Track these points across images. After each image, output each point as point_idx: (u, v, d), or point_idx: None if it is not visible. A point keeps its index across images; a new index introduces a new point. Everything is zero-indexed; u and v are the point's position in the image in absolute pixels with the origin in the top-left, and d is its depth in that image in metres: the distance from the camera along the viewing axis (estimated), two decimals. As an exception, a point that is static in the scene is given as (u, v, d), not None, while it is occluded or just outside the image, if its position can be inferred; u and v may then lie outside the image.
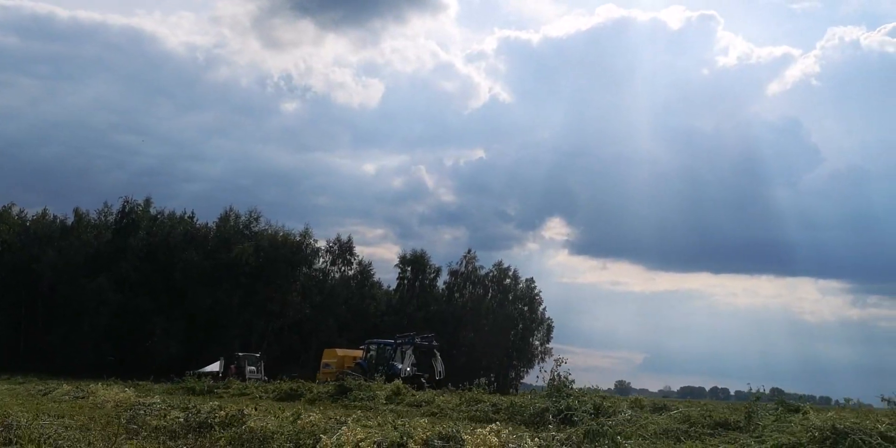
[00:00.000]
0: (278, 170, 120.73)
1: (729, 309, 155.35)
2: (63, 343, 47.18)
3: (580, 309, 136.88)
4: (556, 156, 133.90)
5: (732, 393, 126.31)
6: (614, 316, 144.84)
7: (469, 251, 71.17)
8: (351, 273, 63.08)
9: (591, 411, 13.61)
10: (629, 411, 13.91)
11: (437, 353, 37.02)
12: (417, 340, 37.86)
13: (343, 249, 62.61)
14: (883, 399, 16.05)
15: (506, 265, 71.01)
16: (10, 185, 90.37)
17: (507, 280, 70.52)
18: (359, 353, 39.24)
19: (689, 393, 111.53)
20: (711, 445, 10.12)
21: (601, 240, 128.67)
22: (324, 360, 40.25)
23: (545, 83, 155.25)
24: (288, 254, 55.88)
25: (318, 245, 60.18)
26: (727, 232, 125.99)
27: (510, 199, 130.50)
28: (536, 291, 72.50)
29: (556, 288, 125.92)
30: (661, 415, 13.26)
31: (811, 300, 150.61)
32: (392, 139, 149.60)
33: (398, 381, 27.68)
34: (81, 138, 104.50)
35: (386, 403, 20.05)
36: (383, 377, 33.68)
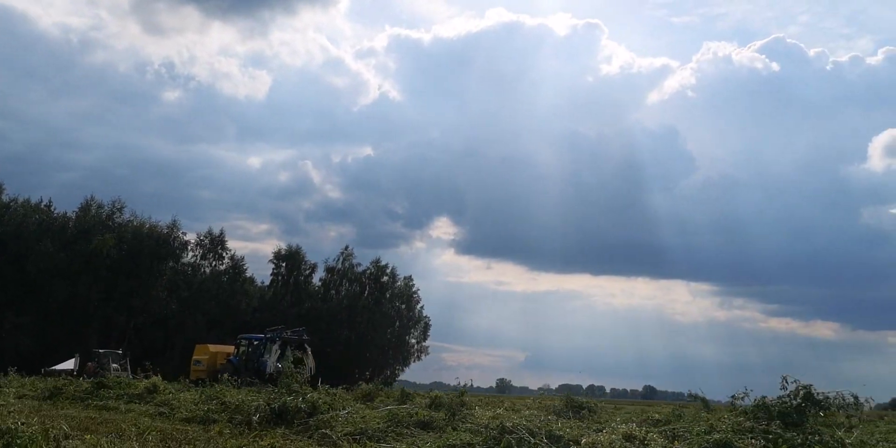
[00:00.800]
0: (159, 160, 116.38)
1: (607, 309, 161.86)
2: None
3: (465, 308, 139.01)
4: (445, 155, 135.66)
5: (608, 390, 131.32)
6: (498, 315, 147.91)
7: (346, 248, 70.67)
8: (223, 268, 61.29)
9: (308, 410, 13.78)
10: (346, 410, 14.27)
11: (308, 349, 35.93)
12: (286, 334, 36.59)
13: (214, 243, 60.79)
14: (690, 394, 16.93)
15: (384, 263, 70.88)
16: None
17: (385, 278, 70.29)
18: (231, 349, 38.05)
19: (567, 390, 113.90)
20: (386, 443, 10.54)
21: (486, 240, 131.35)
22: (195, 357, 38.93)
23: (435, 83, 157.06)
24: (153, 246, 53.72)
25: (186, 238, 58.13)
26: (607, 235, 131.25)
27: (398, 197, 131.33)
28: (414, 289, 72.72)
29: (442, 287, 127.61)
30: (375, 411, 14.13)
31: (683, 301, 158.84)
32: (279, 133, 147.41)
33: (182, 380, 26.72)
34: None
35: (131, 402, 19.37)
36: (253, 376, 33.03)
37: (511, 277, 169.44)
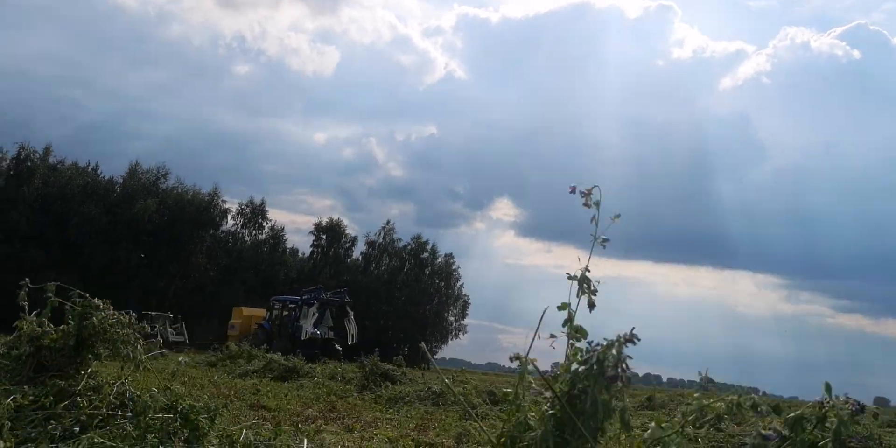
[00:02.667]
0: (229, 133, 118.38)
1: (668, 297, 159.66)
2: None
3: (524, 290, 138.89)
4: (509, 136, 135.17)
5: (665, 380, 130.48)
6: (557, 299, 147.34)
7: (388, 222, 71.08)
8: (262, 237, 62.09)
9: None
10: None
11: (351, 313, 33.18)
12: (326, 295, 33.65)
13: (255, 212, 61.58)
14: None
15: (424, 239, 71.08)
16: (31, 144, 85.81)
17: (425, 254, 70.55)
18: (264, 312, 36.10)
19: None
20: None
21: (548, 223, 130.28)
22: (231, 321, 37.20)
23: (502, 63, 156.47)
24: (194, 213, 54.63)
25: (227, 206, 58.92)
26: (671, 222, 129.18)
27: (460, 177, 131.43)
28: (455, 267, 72.92)
29: (501, 268, 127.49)
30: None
31: (747, 293, 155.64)
32: (344, 109, 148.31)
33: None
34: (23, 89, 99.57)
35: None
36: (286, 342, 30.59)
37: (571, 261, 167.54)
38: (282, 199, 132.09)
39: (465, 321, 74.32)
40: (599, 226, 3.17)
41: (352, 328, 32.29)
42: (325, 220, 66.31)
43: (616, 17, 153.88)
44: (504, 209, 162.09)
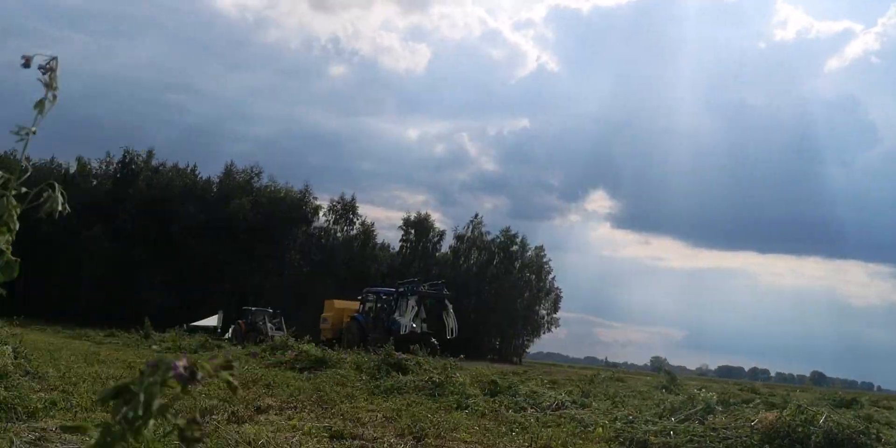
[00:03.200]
0: (324, 133, 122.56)
1: (773, 289, 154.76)
2: (60, 290, 48.77)
3: (621, 283, 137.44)
4: (603, 127, 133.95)
5: (773, 374, 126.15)
6: (655, 292, 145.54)
7: (476, 216, 71.72)
8: (353, 233, 63.85)
9: None
10: None
11: (449, 306, 31.39)
12: (423, 288, 32.09)
13: (346, 209, 63.37)
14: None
15: (513, 232, 71.30)
16: (62, 140, 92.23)
17: (514, 247, 70.78)
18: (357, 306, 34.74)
19: (728, 372, 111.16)
20: None
21: (645, 214, 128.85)
22: (322, 315, 36.27)
23: (594, 53, 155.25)
24: (286, 211, 56.84)
25: (318, 203, 60.98)
26: (776, 210, 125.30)
27: (553, 169, 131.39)
28: (545, 259, 72.84)
29: (597, 261, 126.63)
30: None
31: (858, 283, 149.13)
32: (436, 105, 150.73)
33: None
34: (132, 96, 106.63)
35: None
36: (383, 336, 29.27)
37: (670, 253, 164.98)
38: (377, 196, 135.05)
39: (558, 314, 74.25)
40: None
41: (451, 322, 30.64)
42: (413, 215, 67.50)
43: (714, 2, 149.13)
44: (599, 201, 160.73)
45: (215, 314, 39.72)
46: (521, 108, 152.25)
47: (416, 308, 30.96)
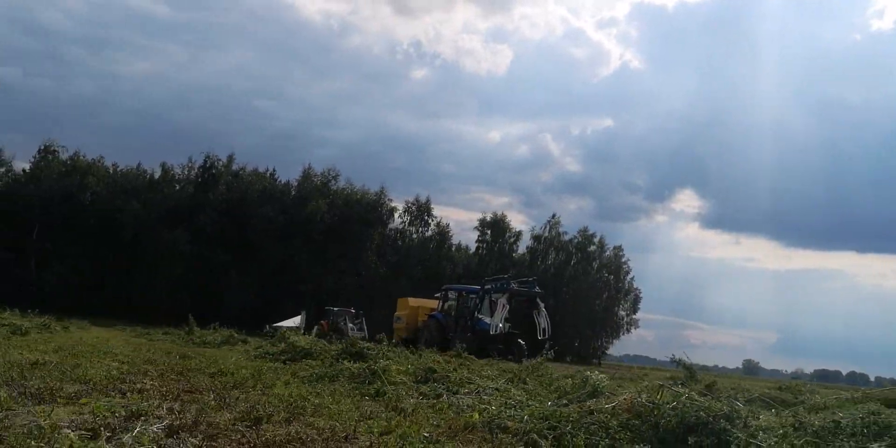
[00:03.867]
0: (406, 136, 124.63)
1: (875, 290, 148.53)
2: (142, 291, 50.61)
3: (711, 285, 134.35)
4: (689, 125, 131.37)
5: (872, 379, 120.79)
6: (746, 293, 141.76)
7: (553, 216, 71.15)
8: (429, 234, 64.17)
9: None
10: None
11: (541, 304, 29.52)
12: (513, 286, 29.90)
13: (421, 210, 63.72)
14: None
15: (591, 231, 70.41)
16: (155, 146, 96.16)
17: (592, 247, 69.88)
18: (435, 303, 33.41)
19: (824, 376, 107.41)
20: None
21: (735, 214, 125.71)
22: (396, 313, 35.13)
23: (679, 50, 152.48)
24: (362, 212, 57.47)
25: (393, 204, 61.53)
26: (875, 209, 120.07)
27: (638, 169, 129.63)
28: (624, 260, 71.72)
29: (686, 262, 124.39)
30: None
31: None
32: (519, 107, 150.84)
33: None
34: (221, 103, 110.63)
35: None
36: (468, 335, 28.66)
37: (762, 254, 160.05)
38: (459, 199, 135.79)
39: (638, 315, 72.98)
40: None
41: (543, 321, 28.87)
42: (489, 216, 67.36)
43: None
44: (687, 201, 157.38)
45: (298, 315, 39.61)
46: (604, 107, 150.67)
47: (507, 306, 29.29)
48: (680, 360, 15.52)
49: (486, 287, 30.59)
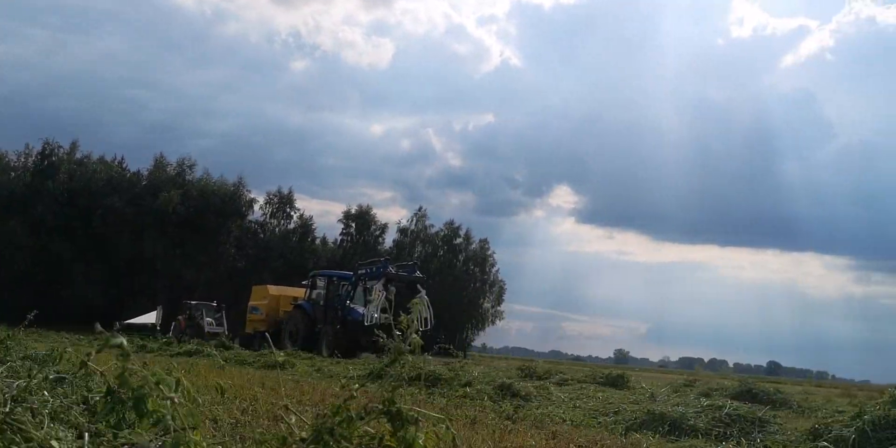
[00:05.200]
0: (288, 128, 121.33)
1: (734, 282, 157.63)
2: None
3: (586, 278, 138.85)
4: (567, 122, 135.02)
5: (731, 365, 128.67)
6: (620, 286, 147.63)
7: (420, 208, 71.10)
8: (291, 227, 62.60)
9: None
10: None
11: (423, 291, 24.70)
12: (391, 270, 26.55)
13: (283, 202, 62.08)
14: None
15: (457, 224, 70.80)
16: (19, 135, 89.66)
17: (458, 240, 70.29)
18: (299, 292, 30.41)
19: (689, 364, 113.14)
20: None
21: (609, 209, 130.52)
22: (251, 303, 31.73)
23: (557, 49, 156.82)
24: (219, 204, 55.29)
25: (251, 196, 59.64)
26: (736, 205, 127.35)
27: (518, 164, 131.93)
28: (490, 252, 72.50)
29: (562, 256, 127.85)
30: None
31: (816, 276, 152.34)
32: (401, 101, 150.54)
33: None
34: (92, 91, 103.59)
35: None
36: (338, 328, 26.25)
37: (634, 247, 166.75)
38: (342, 193, 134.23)
39: (503, 307, 74.04)
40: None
41: (424, 310, 25.96)
42: (353, 208, 66.50)
43: None
44: (563, 196, 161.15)
45: (153, 311, 36.81)
46: (485, 103, 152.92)
47: (383, 292, 25.31)
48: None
49: (360, 272, 27.47)
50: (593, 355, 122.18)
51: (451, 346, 25.77)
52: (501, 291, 73.03)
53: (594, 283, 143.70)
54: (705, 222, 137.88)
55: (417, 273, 27.37)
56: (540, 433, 6.11)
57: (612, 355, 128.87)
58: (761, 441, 6.37)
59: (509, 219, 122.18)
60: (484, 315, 72.50)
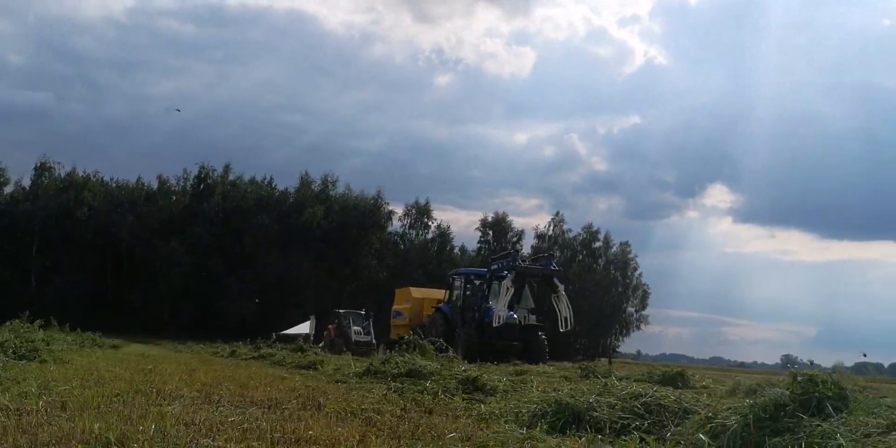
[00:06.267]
0: (433, 143, 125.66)
1: None
2: (142, 303, 51.54)
3: (746, 280, 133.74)
4: (718, 119, 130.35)
5: None
6: (784, 287, 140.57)
7: (557, 213, 71.47)
8: (429, 237, 64.72)
9: None
10: None
11: (560, 287, 24.61)
12: (521, 263, 24.92)
13: (420, 213, 64.28)
14: None
15: (595, 228, 70.57)
16: (189, 162, 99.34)
17: (598, 243, 70.07)
18: (443, 293, 28.17)
19: (865, 369, 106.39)
20: None
21: (769, 207, 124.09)
22: (395, 307, 30.55)
23: (704, 44, 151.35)
24: (360, 217, 58.07)
25: (389, 208, 62.18)
26: None
27: (667, 166, 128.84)
28: (632, 255, 71.73)
29: (720, 257, 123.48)
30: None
31: None
32: (544, 108, 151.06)
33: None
34: (252, 118, 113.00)
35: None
36: (474, 330, 24.57)
37: (798, 246, 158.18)
38: (490, 203, 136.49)
39: (647, 312, 73.02)
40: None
41: (564, 308, 24.02)
42: (490, 216, 67.80)
43: None
44: (718, 196, 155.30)
45: (306, 321, 37.41)
46: (630, 105, 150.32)
47: (511, 289, 23.82)
48: None
49: (493, 267, 25.91)
50: (759, 361, 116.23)
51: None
52: (645, 295, 72.09)
53: (755, 285, 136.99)
54: (878, 217, 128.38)
55: (554, 265, 25.39)
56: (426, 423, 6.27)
57: (778, 361, 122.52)
58: (671, 435, 5.63)
59: (660, 221, 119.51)
60: (628, 320, 71.85)
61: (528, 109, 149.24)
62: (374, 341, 31.85)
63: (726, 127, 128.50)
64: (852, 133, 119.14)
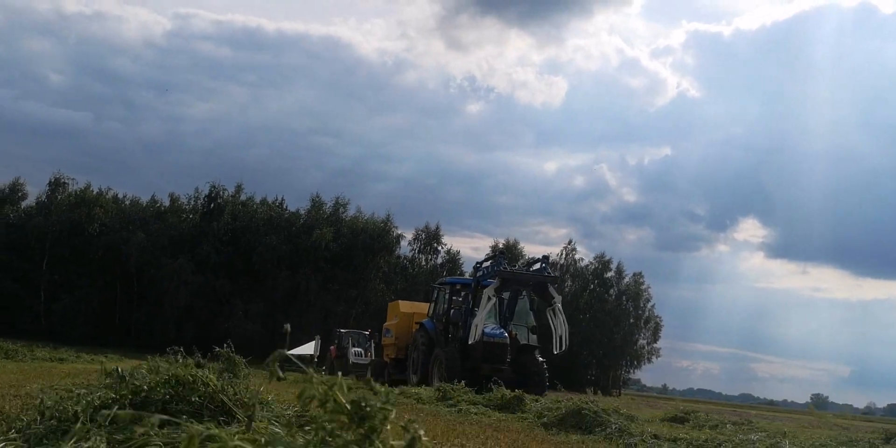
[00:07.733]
0: (462, 169, 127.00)
1: None
2: (148, 321, 52.11)
3: (777, 316, 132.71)
4: (750, 152, 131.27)
5: None
6: (816, 325, 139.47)
7: (570, 242, 71.55)
8: (439, 261, 65.08)
9: None
10: None
11: (556, 298, 21.03)
12: (505, 266, 21.74)
13: (430, 238, 64.71)
14: None
15: (607, 257, 70.57)
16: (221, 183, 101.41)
17: (609, 273, 69.99)
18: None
19: None
20: None
21: (802, 242, 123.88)
22: (385, 324, 27.79)
23: (737, 77, 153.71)
24: (368, 240, 58.54)
25: (398, 232, 62.60)
26: None
27: (698, 198, 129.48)
28: (644, 286, 71.53)
29: (750, 293, 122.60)
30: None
31: None
32: (574, 138, 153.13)
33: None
34: (283, 141, 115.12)
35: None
36: (454, 349, 21.40)
37: (831, 283, 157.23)
38: (518, 231, 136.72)
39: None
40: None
41: (560, 326, 20.58)
42: (500, 243, 67.98)
43: (868, 15, 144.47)
44: (750, 230, 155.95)
45: (311, 341, 38.09)
46: (661, 136, 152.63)
47: (493, 299, 20.78)
48: None
49: (478, 274, 22.72)
50: (788, 400, 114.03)
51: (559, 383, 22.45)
52: (658, 328, 71.79)
53: (786, 321, 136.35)
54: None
55: (549, 272, 22.33)
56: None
57: (809, 400, 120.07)
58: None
59: (690, 254, 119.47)
60: (639, 352, 71.47)
61: (559, 138, 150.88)
62: (372, 361, 30.23)
63: (759, 160, 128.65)
64: (885, 169, 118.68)
